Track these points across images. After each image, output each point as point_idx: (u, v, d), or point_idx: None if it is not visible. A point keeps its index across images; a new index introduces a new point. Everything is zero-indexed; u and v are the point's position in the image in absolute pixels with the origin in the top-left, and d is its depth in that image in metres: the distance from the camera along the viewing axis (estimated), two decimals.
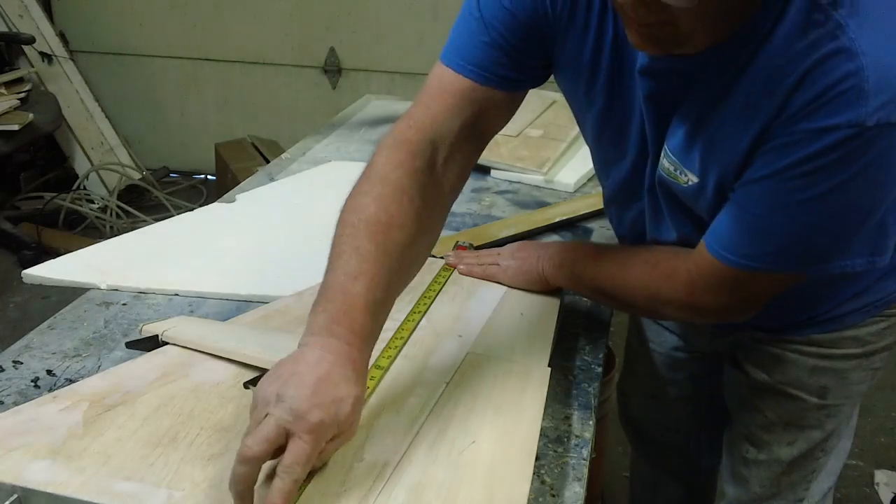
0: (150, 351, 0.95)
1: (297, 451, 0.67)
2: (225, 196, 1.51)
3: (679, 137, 0.86)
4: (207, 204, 1.50)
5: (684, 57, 0.79)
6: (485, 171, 1.66)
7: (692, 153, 0.85)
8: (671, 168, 0.89)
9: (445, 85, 0.92)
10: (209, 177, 3.91)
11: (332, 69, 3.80)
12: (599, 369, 1.01)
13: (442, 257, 1.19)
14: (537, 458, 0.81)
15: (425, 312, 1.03)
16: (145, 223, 3.26)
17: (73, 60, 3.76)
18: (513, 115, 0.98)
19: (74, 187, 3.56)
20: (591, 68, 0.91)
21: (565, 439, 0.88)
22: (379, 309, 0.79)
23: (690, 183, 0.87)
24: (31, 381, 0.94)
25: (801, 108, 0.73)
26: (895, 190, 0.79)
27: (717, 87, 0.80)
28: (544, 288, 1.11)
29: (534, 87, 0.98)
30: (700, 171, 0.85)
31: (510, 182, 1.65)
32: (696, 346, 1.27)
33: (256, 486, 0.67)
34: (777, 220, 0.80)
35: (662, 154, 0.90)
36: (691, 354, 1.29)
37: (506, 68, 0.91)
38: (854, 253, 0.86)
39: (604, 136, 1.00)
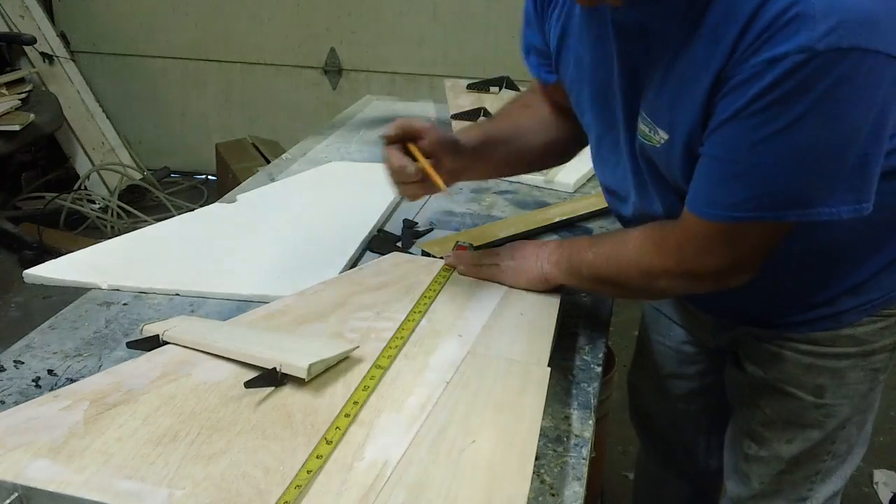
0: (150, 351, 0.95)
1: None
2: (226, 196, 1.52)
3: (650, 98, 0.88)
4: (208, 204, 1.50)
5: (643, 8, 0.84)
6: None
7: (661, 109, 0.87)
8: (646, 129, 0.90)
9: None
10: (210, 177, 3.92)
11: (333, 70, 3.80)
12: (599, 369, 1.02)
13: (442, 257, 1.19)
14: (537, 458, 0.81)
15: (425, 312, 1.04)
16: (146, 223, 3.26)
17: (73, 61, 3.77)
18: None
19: (75, 187, 3.57)
20: (577, 52, 0.97)
21: (565, 439, 0.88)
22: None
23: (662, 142, 0.88)
24: (32, 380, 0.94)
25: (751, 43, 0.74)
26: (866, 126, 0.78)
27: (677, 39, 0.82)
28: (544, 287, 1.11)
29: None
30: (669, 126, 0.87)
31: (510, 182, 1.65)
32: (701, 341, 1.27)
33: None
34: (748, 162, 0.80)
35: (639, 118, 0.91)
36: (699, 349, 1.30)
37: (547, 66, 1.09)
38: (838, 199, 0.83)
39: (600, 118, 1.02)
